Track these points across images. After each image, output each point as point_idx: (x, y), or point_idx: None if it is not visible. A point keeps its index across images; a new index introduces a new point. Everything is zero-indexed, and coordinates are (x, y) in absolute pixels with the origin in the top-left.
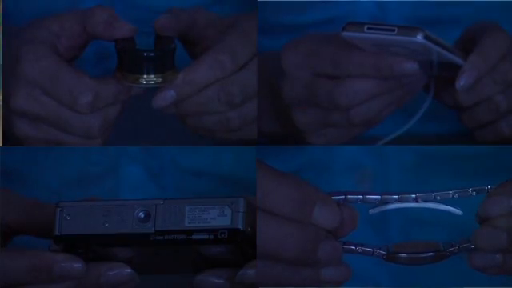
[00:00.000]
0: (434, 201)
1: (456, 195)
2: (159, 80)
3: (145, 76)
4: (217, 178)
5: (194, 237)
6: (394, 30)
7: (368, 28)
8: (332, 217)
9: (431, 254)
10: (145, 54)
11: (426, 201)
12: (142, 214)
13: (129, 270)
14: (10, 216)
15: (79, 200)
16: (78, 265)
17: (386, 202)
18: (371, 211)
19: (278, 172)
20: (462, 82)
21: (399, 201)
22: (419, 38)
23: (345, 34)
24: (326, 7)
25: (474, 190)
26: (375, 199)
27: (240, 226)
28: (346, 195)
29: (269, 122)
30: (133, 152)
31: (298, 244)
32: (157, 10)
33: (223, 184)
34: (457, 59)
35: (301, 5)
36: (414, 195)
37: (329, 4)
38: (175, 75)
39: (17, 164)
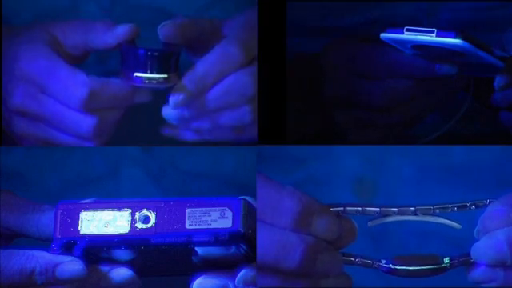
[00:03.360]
0: (433, 214)
1: (455, 209)
2: (161, 80)
3: (148, 74)
4: (217, 180)
5: (194, 239)
6: (433, 32)
7: (407, 30)
8: (331, 228)
9: (430, 267)
10: (149, 53)
11: (425, 214)
12: (142, 216)
13: (130, 273)
14: (9, 218)
15: (80, 202)
16: (78, 267)
17: (385, 215)
18: (370, 223)
19: (277, 184)
20: (501, 82)
21: (398, 213)
22: (458, 39)
23: (384, 35)
24: (366, 10)
25: (473, 204)
26: (374, 211)
27: (241, 229)
28: (345, 207)
29: (306, 122)
30: (133, 153)
31: (297, 255)
32: (157, 10)
33: (223, 185)
34: (496, 60)
35: (342, 7)
36: (413, 208)
37: (369, 7)
38: (178, 78)
39: (17, 165)
